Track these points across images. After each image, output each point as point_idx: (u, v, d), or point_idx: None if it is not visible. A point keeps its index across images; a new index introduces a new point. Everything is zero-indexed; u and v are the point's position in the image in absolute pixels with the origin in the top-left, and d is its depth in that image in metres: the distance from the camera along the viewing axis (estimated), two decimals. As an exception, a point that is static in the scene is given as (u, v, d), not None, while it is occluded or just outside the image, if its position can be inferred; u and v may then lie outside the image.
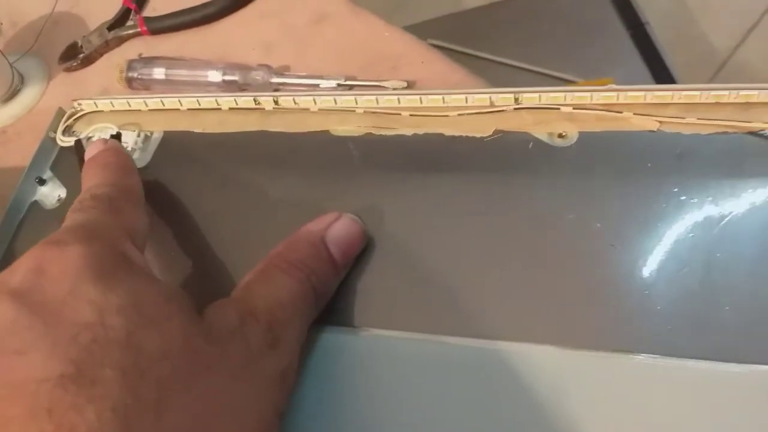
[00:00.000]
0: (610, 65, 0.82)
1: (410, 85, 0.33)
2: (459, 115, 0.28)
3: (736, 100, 0.27)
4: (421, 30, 0.86)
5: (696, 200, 0.25)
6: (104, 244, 0.22)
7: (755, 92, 0.26)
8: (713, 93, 0.26)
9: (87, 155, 0.29)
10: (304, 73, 0.34)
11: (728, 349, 0.22)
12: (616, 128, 0.27)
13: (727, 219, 0.24)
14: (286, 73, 0.34)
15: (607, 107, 0.27)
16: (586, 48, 0.85)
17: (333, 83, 0.33)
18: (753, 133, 0.26)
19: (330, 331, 0.25)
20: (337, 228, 0.25)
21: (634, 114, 0.27)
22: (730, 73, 1.04)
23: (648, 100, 0.27)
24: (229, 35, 0.37)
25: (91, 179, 0.27)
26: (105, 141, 0.30)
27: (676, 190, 0.25)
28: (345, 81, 0.33)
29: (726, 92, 0.26)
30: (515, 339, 0.23)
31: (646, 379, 0.22)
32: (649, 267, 0.24)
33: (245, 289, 0.23)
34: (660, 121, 0.27)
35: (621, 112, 0.27)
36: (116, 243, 0.22)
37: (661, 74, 0.81)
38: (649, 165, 0.26)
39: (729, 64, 1.05)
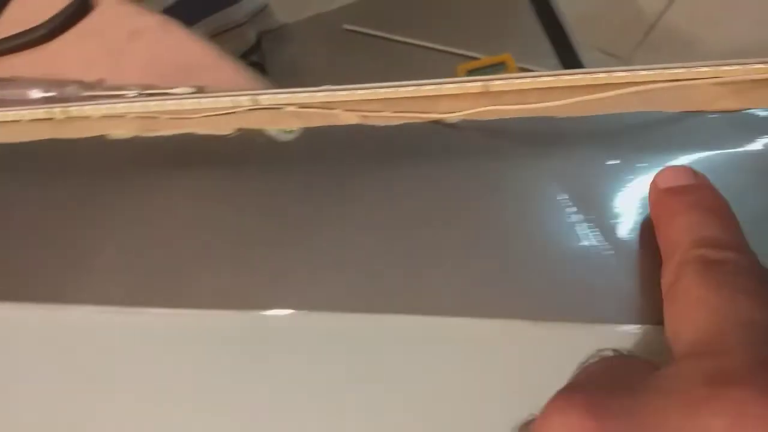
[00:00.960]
0: (513, 40, 0.86)
1: (200, 90, 0.38)
2: (206, 116, 0.34)
3: (427, 94, 0.31)
4: (336, 16, 0.91)
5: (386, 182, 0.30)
6: None
7: (433, 87, 0.31)
8: (407, 89, 0.31)
9: (662, 182, 0.25)
10: (111, 85, 0.39)
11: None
12: (332, 123, 0.32)
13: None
14: (97, 86, 0.40)
15: (325, 105, 0.32)
16: (494, 24, 0.88)
17: (134, 92, 0.38)
18: (436, 122, 0.31)
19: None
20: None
21: (344, 110, 0.32)
22: (658, 37, 1.06)
23: (356, 98, 0.32)
24: (56, 55, 0.42)
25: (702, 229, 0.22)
26: (690, 170, 0.25)
27: (379, 176, 0.30)
28: (144, 90, 0.38)
29: (411, 88, 0.31)
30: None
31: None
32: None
33: None
34: (364, 116, 0.32)
35: (334, 109, 0.32)
36: None
37: (563, 46, 0.85)
38: (356, 156, 0.32)
39: (657, 28, 1.08)
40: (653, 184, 0.25)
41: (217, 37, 0.87)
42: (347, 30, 0.90)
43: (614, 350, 0.24)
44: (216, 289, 0.30)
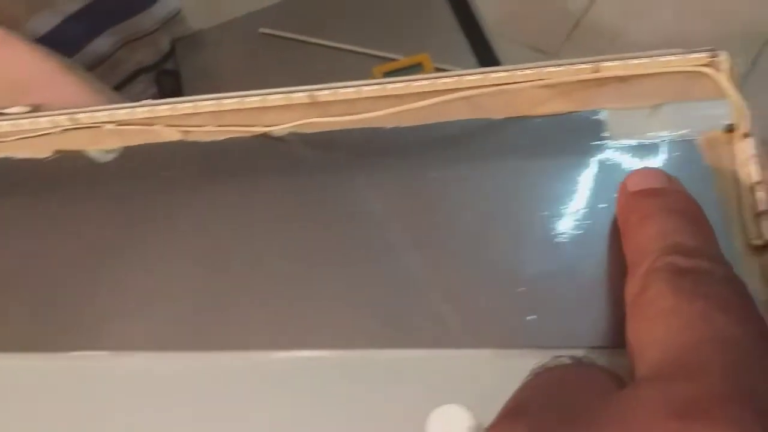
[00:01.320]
0: (432, 39, 0.84)
1: (36, 109, 0.36)
2: (23, 138, 0.31)
3: (252, 106, 0.30)
4: (251, 20, 0.89)
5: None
6: None
7: (258, 98, 0.29)
8: (230, 101, 0.30)
9: (632, 185, 0.23)
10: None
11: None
12: (153, 140, 0.30)
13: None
14: None
15: (146, 121, 0.30)
16: (412, 24, 0.87)
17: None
18: (265, 135, 0.30)
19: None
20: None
21: (165, 126, 0.30)
22: (585, 31, 1.06)
23: (177, 112, 0.30)
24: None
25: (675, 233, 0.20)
26: (662, 173, 0.23)
27: (201, 196, 0.29)
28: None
29: (234, 100, 0.29)
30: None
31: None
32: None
33: None
34: (186, 131, 0.30)
35: (153, 125, 0.30)
36: None
37: (481, 44, 0.84)
38: (178, 174, 0.30)
39: (583, 23, 1.08)
40: (622, 186, 0.23)
41: (127, 45, 0.84)
42: (263, 34, 0.88)
43: (571, 357, 0.21)
44: (20, 330, 0.27)
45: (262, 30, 0.89)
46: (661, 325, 0.17)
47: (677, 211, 0.21)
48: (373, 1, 0.90)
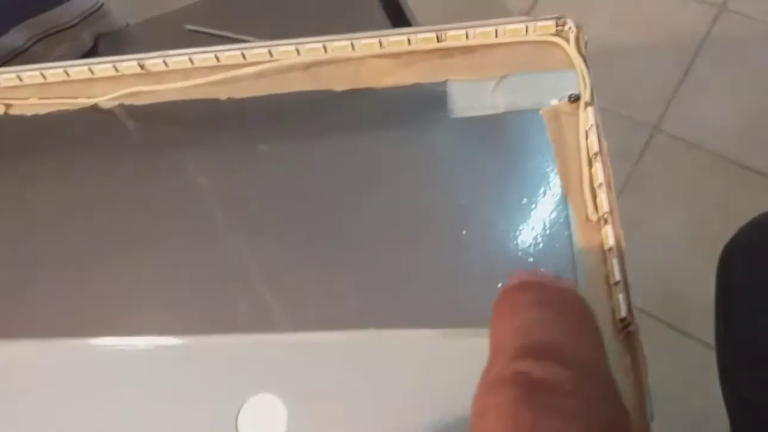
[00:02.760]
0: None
1: None
2: None
3: (79, 77, 0.27)
4: (178, 16, 0.86)
5: None
6: None
7: (84, 68, 0.27)
8: (54, 71, 0.27)
9: (512, 278, 0.20)
10: None
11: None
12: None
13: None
14: None
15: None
16: (340, 23, 0.85)
17: None
18: (95, 108, 0.27)
19: None
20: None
21: (-15, 98, 0.27)
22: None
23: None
24: None
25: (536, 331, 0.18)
26: (552, 273, 0.20)
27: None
28: None
29: (58, 70, 0.27)
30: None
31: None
32: None
33: None
34: (7, 104, 0.27)
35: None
36: None
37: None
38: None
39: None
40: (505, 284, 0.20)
41: (46, 39, 0.81)
42: (190, 30, 0.85)
43: None
44: None
45: (188, 26, 0.86)
46: None
47: (549, 304, 0.19)
48: (301, -1, 0.88)
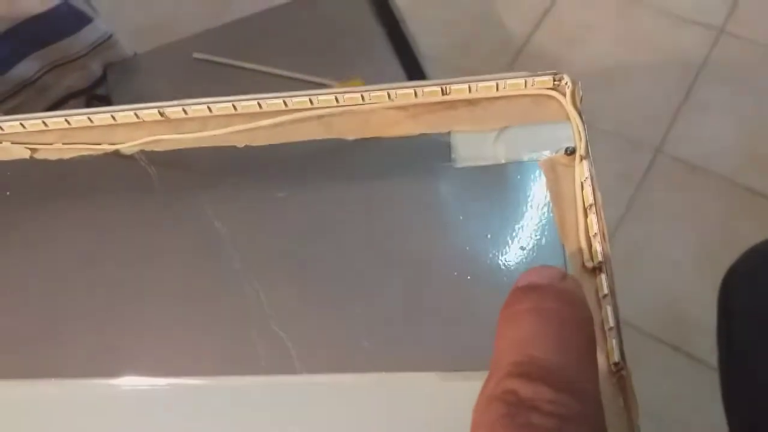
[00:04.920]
0: (366, 66, 0.85)
1: None
2: None
3: (101, 123, 0.29)
4: (186, 45, 0.88)
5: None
6: None
7: (106, 115, 0.28)
8: (78, 118, 0.29)
9: (521, 280, 0.20)
10: None
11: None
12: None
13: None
14: None
15: (-7, 139, 0.29)
16: (346, 50, 0.87)
17: None
18: (117, 153, 0.28)
19: None
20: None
21: (12, 143, 0.29)
22: (527, 58, 1.07)
23: (25, 129, 0.29)
24: None
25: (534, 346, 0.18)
26: (555, 270, 0.19)
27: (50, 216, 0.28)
28: None
29: (82, 117, 0.28)
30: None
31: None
32: None
33: None
34: (32, 149, 0.29)
35: (1, 142, 0.29)
36: None
37: (413, 69, 0.84)
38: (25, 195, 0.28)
39: (525, 50, 1.09)
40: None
41: (56, 69, 0.83)
42: (197, 59, 0.87)
43: None
44: None
45: (195, 55, 0.89)
46: None
47: (546, 314, 0.19)
48: (307, 27, 0.90)
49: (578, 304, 0.19)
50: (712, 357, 0.54)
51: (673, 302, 0.90)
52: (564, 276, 0.19)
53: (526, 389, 0.17)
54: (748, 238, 0.54)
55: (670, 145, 1.00)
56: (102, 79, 0.88)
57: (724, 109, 1.02)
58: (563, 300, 0.19)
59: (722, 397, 0.56)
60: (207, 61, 0.88)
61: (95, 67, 0.86)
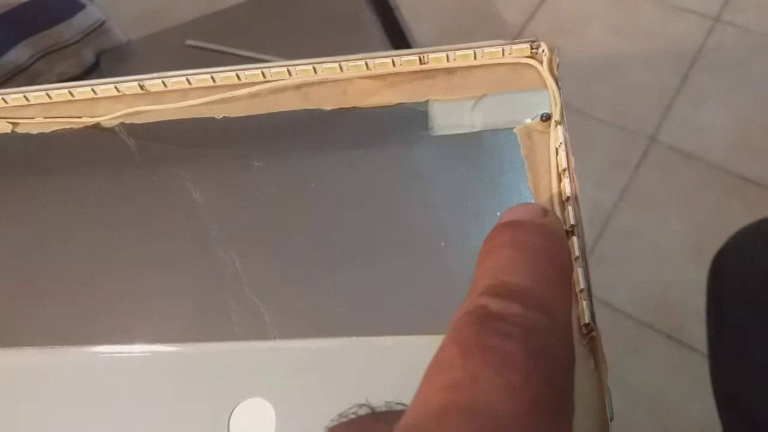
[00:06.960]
0: (360, 52, 0.84)
1: None
2: None
3: (82, 96, 0.29)
4: (179, 32, 0.88)
5: None
6: None
7: (87, 89, 0.28)
8: (58, 92, 0.29)
9: (503, 216, 0.20)
10: None
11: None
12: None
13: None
14: None
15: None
16: (339, 37, 0.87)
17: None
18: (97, 126, 0.29)
19: None
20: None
21: (-3, 117, 0.29)
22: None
23: (6, 104, 0.29)
24: None
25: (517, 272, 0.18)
26: (537, 207, 0.20)
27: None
28: None
29: (63, 91, 0.28)
30: None
31: None
32: None
33: None
34: (14, 123, 0.29)
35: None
36: None
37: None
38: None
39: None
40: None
41: (48, 56, 0.83)
42: (190, 46, 0.87)
43: (371, 408, 0.20)
44: None
45: (188, 42, 0.88)
46: (428, 377, 0.16)
47: (522, 246, 0.19)
48: (300, 14, 0.90)
49: (556, 238, 0.19)
50: (704, 344, 0.54)
51: (666, 290, 0.90)
52: (546, 212, 0.20)
53: (496, 305, 0.17)
54: (741, 225, 0.54)
55: (665, 134, 1.00)
56: (95, 66, 0.88)
57: (718, 98, 1.03)
58: (541, 233, 0.19)
59: (711, 379, 0.56)
60: (200, 48, 0.88)
61: (88, 54, 0.86)
